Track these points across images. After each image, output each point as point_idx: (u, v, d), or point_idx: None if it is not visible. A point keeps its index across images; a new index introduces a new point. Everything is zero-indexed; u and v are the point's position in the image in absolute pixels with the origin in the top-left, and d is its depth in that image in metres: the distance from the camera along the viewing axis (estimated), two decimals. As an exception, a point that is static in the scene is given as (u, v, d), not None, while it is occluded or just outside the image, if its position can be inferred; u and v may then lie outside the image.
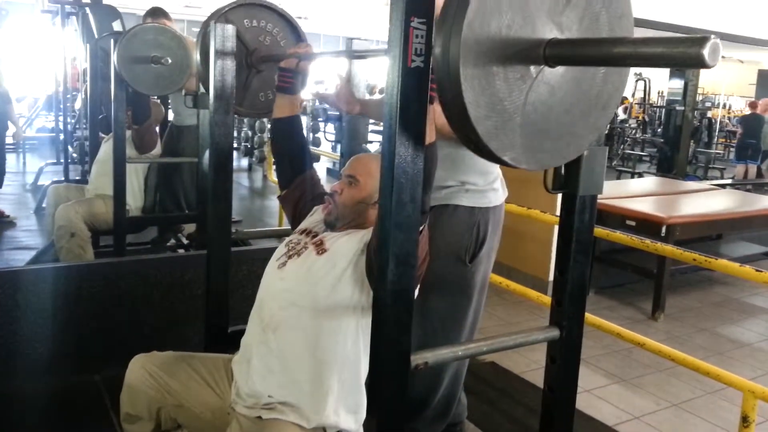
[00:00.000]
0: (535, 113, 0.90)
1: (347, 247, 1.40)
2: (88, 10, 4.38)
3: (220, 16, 1.85)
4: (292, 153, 1.70)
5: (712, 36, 0.70)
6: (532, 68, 0.88)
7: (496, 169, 1.83)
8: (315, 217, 1.59)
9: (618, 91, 1.00)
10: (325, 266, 1.40)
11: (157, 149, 3.46)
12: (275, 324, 1.42)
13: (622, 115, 11.67)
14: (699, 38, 0.70)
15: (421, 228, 1.22)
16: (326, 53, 1.76)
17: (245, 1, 1.88)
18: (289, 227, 1.72)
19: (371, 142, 6.95)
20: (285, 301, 1.42)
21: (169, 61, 2.79)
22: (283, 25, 1.93)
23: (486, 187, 1.79)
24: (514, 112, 0.87)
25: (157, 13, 3.50)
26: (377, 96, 2.02)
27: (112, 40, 2.90)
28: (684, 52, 0.72)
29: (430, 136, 1.16)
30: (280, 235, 3.06)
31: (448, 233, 1.75)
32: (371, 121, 2.11)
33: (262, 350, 1.43)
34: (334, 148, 9.20)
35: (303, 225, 1.59)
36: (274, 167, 1.80)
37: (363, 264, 1.35)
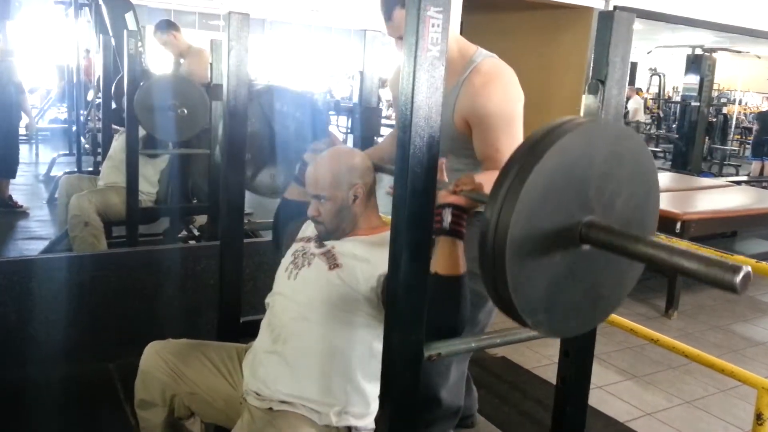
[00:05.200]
0: (563, 284, 0.91)
1: (365, 274, 1.37)
2: (100, 1, 4.40)
3: (255, 95, 1.89)
4: (289, 228, 1.70)
5: (745, 267, 0.73)
6: (569, 246, 0.90)
7: None
8: (311, 227, 1.56)
9: (633, 281, 1.01)
10: (341, 285, 1.38)
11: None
12: (286, 335, 1.42)
13: (636, 111, 11.58)
14: (733, 266, 0.73)
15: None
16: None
17: (279, 86, 1.96)
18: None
19: (383, 136, 6.92)
20: (295, 313, 1.42)
21: (185, 111, 2.82)
22: (311, 118, 1.94)
23: None
24: (545, 279, 0.89)
25: (166, 26, 3.52)
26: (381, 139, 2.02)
27: (125, 33, 2.92)
28: (717, 276, 0.75)
29: (462, 267, 1.13)
30: (291, 227, 3.06)
31: (472, 235, 1.73)
32: (383, 114, 2.10)
33: (272, 359, 1.43)
34: (345, 141, 9.20)
35: (301, 234, 1.58)
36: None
37: (378, 295, 1.34)
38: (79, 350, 2.42)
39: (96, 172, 4.21)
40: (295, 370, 1.40)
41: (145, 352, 1.58)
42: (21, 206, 4.90)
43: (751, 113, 13.94)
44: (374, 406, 1.43)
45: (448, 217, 1.14)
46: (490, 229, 0.85)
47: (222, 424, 1.61)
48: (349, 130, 9.25)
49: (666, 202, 4.26)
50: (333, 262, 1.41)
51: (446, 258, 1.13)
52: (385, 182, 1.43)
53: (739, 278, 0.72)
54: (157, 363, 1.55)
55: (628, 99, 10.67)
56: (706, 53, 8.18)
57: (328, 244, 1.47)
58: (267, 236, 3.16)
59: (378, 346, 1.33)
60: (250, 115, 1.86)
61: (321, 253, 1.45)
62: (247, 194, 1.91)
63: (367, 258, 1.38)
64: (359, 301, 1.36)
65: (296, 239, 1.58)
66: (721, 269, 0.74)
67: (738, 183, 6.40)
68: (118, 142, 3.36)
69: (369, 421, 1.43)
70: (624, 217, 0.93)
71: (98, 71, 5.20)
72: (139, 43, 3.25)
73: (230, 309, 1.84)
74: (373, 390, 1.42)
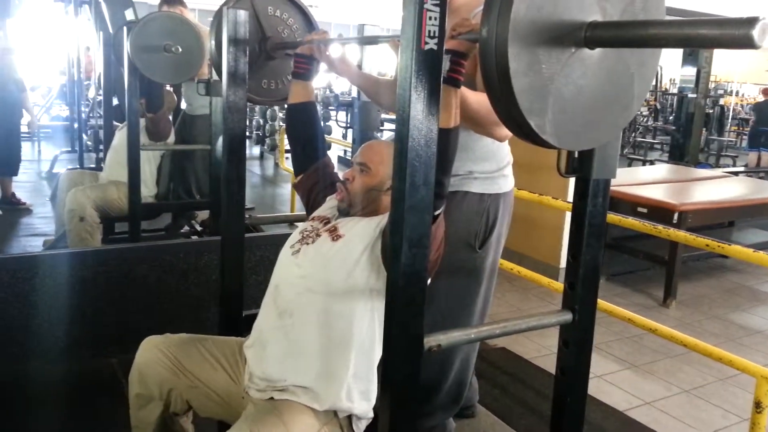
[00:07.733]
0: (566, 90, 0.91)
1: (363, 232, 1.41)
2: (100, -2, 4.40)
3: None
4: (306, 139, 1.71)
5: (761, 16, 0.68)
6: (573, 46, 0.89)
7: (507, 155, 1.83)
8: (328, 205, 1.61)
9: (641, 95, 1.01)
10: (341, 252, 1.40)
11: (171, 137, 3.48)
12: (291, 310, 1.43)
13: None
14: (747, 19, 0.69)
15: (438, 212, 1.23)
16: (340, 40, 1.76)
17: None
18: (301, 213, 1.73)
19: (382, 130, 6.94)
20: (301, 287, 1.43)
21: (180, 49, 2.80)
22: (302, 21, 1.96)
23: (496, 173, 1.79)
24: (549, 79, 0.89)
25: (172, 0, 3.53)
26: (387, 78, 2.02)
27: (125, 29, 2.92)
28: (732, 34, 0.70)
29: (455, 119, 1.16)
30: (292, 221, 3.08)
31: (457, 219, 1.75)
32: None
33: (278, 336, 1.44)
34: (344, 136, 9.20)
35: (316, 213, 1.61)
36: (287, 156, 1.81)
37: (379, 249, 1.36)
38: (82, 345, 2.44)
39: (98, 169, 4.23)
40: (302, 346, 1.41)
41: (141, 346, 1.56)
42: (24, 203, 4.93)
43: (748, 104, 13.94)
44: (374, 396, 1.45)
45: (446, 64, 1.11)
46: (491, 21, 0.84)
47: (220, 418, 1.61)
48: (348, 125, 9.25)
49: (663, 193, 4.28)
50: (335, 234, 1.44)
51: (441, 109, 1.10)
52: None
53: (755, 29, 0.67)
54: (156, 356, 1.53)
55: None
56: (703, 45, 8.17)
57: (335, 221, 1.50)
58: (268, 230, 3.20)
59: (379, 317, 1.36)
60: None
61: (326, 229, 1.48)
62: (248, 189, 1.92)
63: (368, 220, 1.43)
64: (360, 264, 1.37)
65: (311, 217, 1.60)
66: (735, 25, 0.70)
67: (735, 174, 6.42)
68: (122, 133, 3.36)
69: (368, 410, 1.45)
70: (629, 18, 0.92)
71: (98, 68, 5.21)
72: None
73: (232, 303, 1.85)
74: (373, 378, 1.44)
